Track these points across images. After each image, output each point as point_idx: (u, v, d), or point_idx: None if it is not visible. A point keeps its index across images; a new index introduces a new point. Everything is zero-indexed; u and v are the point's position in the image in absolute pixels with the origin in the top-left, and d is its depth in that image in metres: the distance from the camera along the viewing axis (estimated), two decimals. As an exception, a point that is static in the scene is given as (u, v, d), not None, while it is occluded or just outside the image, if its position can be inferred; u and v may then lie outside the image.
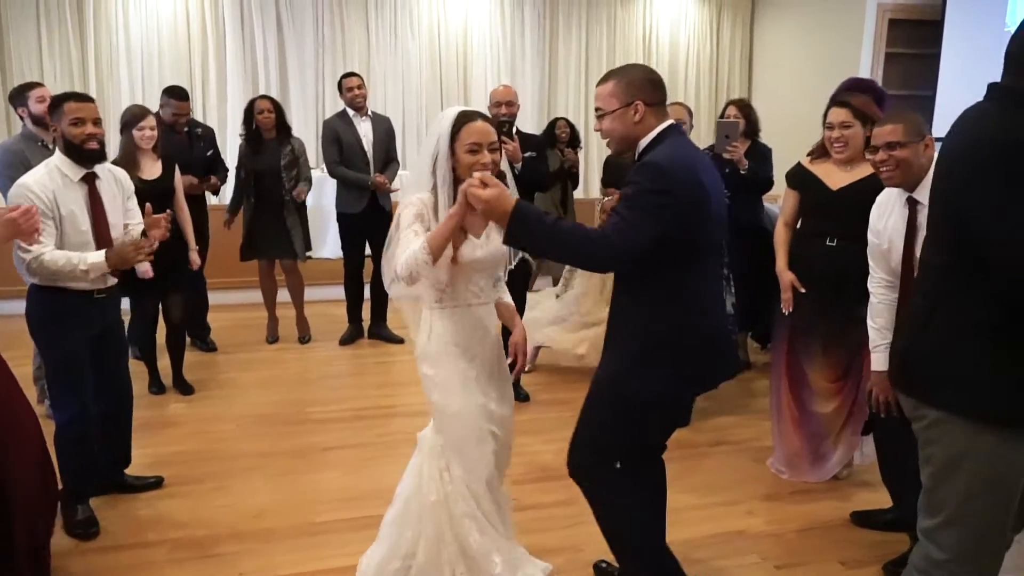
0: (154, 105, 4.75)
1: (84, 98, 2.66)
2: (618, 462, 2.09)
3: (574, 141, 5.86)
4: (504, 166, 2.20)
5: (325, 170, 5.06)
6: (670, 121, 2.02)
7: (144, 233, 2.72)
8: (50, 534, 2.47)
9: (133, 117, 3.70)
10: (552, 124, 5.91)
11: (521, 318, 2.45)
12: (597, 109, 2.04)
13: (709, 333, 2.03)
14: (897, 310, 2.43)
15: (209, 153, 4.71)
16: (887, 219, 2.46)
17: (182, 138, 4.52)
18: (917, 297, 1.73)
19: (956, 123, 1.67)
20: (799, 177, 3.07)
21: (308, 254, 4.98)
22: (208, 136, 4.78)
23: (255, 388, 4.28)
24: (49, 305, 2.60)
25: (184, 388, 4.14)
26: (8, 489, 2.22)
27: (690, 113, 3.59)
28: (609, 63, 8.04)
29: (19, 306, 2.74)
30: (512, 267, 2.40)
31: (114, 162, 3.14)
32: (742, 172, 3.80)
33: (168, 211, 2.82)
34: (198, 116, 6.56)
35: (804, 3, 7.40)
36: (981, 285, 1.55)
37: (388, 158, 4.98)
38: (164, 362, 4.28)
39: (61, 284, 2.58)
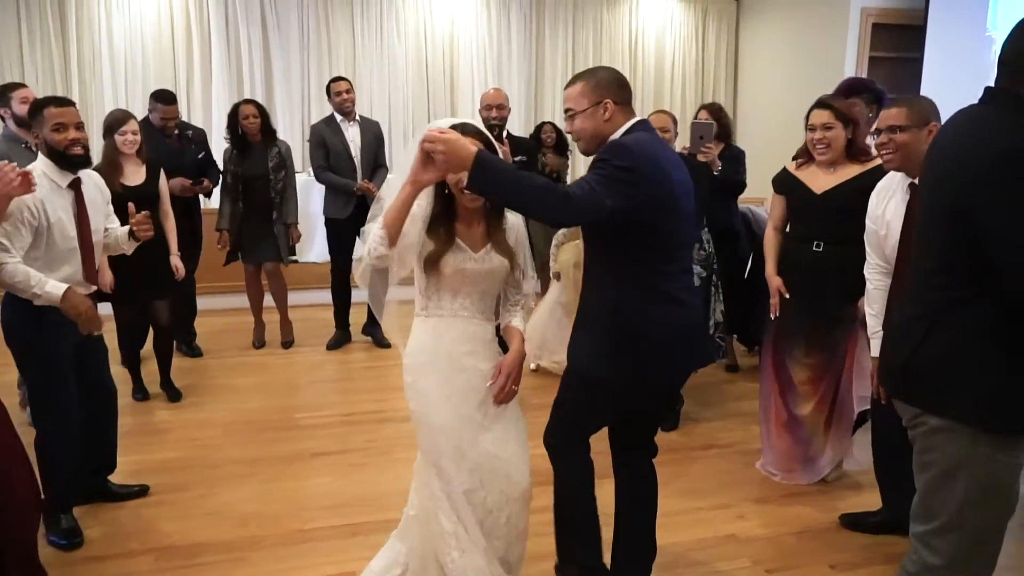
0: (138, 108, 4.71)
1: (64, 102, 2.61)
2: (582, 445, 2.21)
3: (561, 145, 5.84)
4: None
5: (310, 174, 5.03)
6: (638, 118, 2.09)
7: (132, 233, 2.71)
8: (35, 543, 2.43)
9: (115, 122, 3.65)
10: (538, 128, 5.90)
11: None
12: (568, 110, 2.10)
13: (679, 324, 2.06)
14: (889, 295, 2.46)
15: (201, 155, 4.67)
16: (886, 204, 2.47)
17: (173, 141, 4.48)
18: (912, 305, 1.71)
19: (950, 126, 1.67)
20: (784, 182, 3.08)
21: (293, 258, 4.97)
22: (200, 139, 4.74)
23: (242, 393, 4.24)
24: (26, 311, 2.53)
25: (172, 394, 4.09)
26: None
27: (675, 121, 3.60)
28: (611, 66, 8.04)
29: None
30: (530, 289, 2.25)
31: (96, 168, 3.10)
32: (715, 173, 3.82)
33: (146, 211, 2.79)
34: (183, 119, 6.50)
35: (788, 7, 7.45)
36: (986, 290, 1.54)
37: (377, 163, 4.95)
38: (149, 368, 4.24)
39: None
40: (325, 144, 4.81)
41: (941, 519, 1.66)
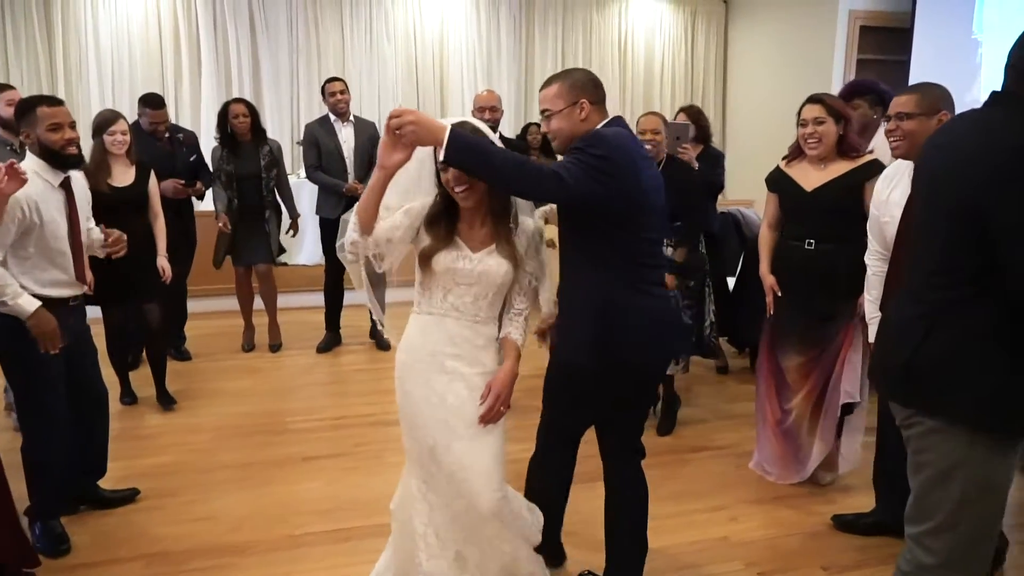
0: (126, 109, 4.67)
1: (56, 101, 2.58)
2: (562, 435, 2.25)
3: (548, 146, 5.84)
4: None
5: (300, 176, 5.00)
6: (612, 116, 2.14)
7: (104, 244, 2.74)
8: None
9: (104, 122, 3.62)
10: (525, 130, 5.90)
11: None
12: (544, 111, 2.13)
13: (656, 313, 2.11)
14: (885, 284, 2.47)
15: (192, 158, 4.64)
16: (891, 191, 2.47)
17: (164, 145, 4.45)
18: (911, 305, 1.70)
19: (953, 127, 1.67)
20: (776, 180, 3.10)
21: (282, 260, 4.94)
22: (191, 141, 4.71)
23: (232, 397, 4.20)
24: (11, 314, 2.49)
25: (166, 402, 4.02)
26: None
27: (666, 123, 3.60)
28: (585, 68, 8.05)
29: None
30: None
31: (84, 168, 3.07)
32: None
33: (118, 232, 2.80)
34: (172, 122, 6.45)
35: (777, 10, 7.49)
36: (987, 290, 1.54)
37: (371, 164, 4.92)
38: (137, 372, 4.20)
39: (40, 291, 2.51)
40: (317, 144, 4.81)
41: (936, 519, 1.66)
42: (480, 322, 2.06)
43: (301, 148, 6.61)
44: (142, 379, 4.13)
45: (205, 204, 5.17)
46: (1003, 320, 1.54)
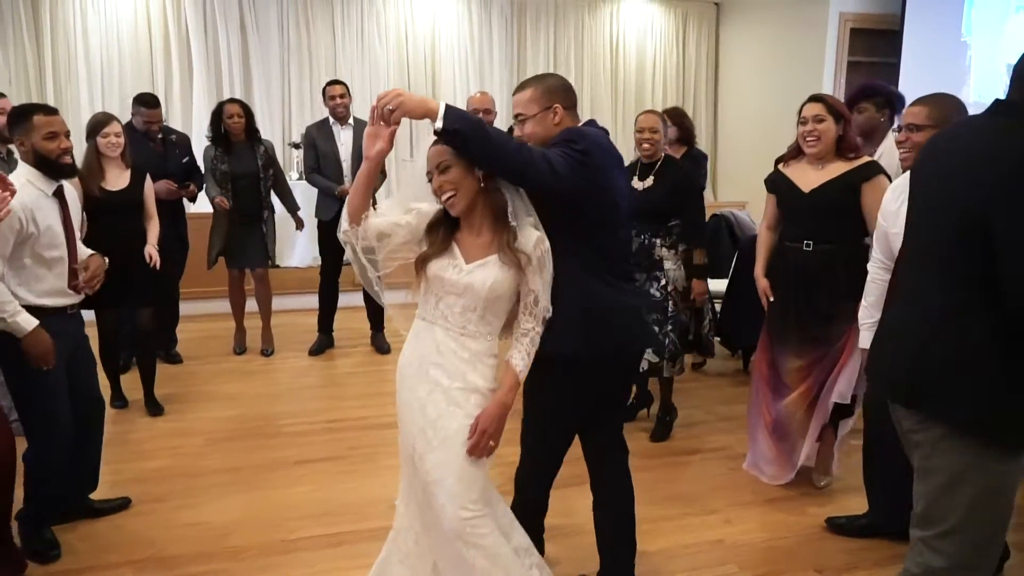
0: (116, 112, 4.62)
1: (52, 111, 2.58)
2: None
3: None
4: None
5: (291, 178, 4.99)
6: (586, 120, 2.19)
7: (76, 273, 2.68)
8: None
9: (97, 124, 3.59)
10: (510, 130, 5.89)
11: None
12: (518, 115, 2.14)
13: (630, 306, 2.19)
14: (890, 286, 2.46)
15: (185, 160, 4.62)
16: (900, 204, 2.47)
17: (157, 146, 4.43)
18: (916, 309, 1.69)
19: (958, 134, 1.67)
20: (774, 181, 3.10)
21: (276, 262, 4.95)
22: (184, 143, 4.70)
23: (223, 400, 4.18)
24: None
25: (154, 408, 3.98)
26: None
27: (664, 121, 3.60)
28: (577, 70, 8.07)
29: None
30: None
31: (79, 172, 3.06)
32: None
33: (105, 259, 2.77)
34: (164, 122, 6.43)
35: (768, 12, 7.51)
36: (996, 296, 1.53)
37: None
38: (128, 376, 4.17)
39: (38, 301, 2.50)
40: (315, 147, 4.83)
41: (946, 524, 1.65)
42: (468, 335, 1.97)
43: (293, 149, 6.65)
44: (132, 383, 4.10)
45: (197, 207, 5.15)
46: (1007, 326, 1.53)
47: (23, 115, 2.53)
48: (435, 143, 1.90)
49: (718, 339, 4.75)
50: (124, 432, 3.73)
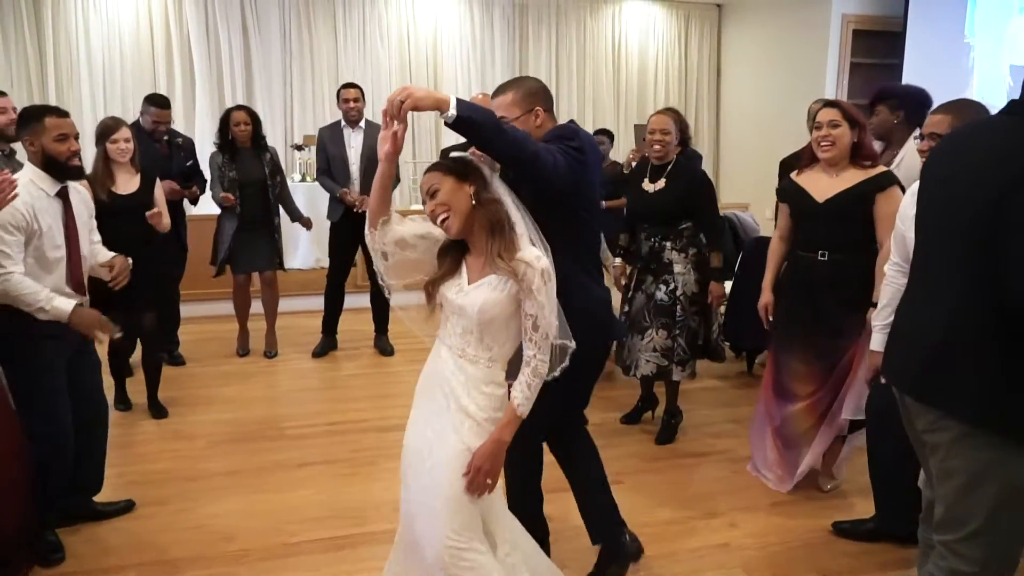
0: (116, 114, 4.64)
1: (62, 113, 2.60)
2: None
3: None
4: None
5: (295, 178, 4.99)
6: (567, 120, 2.29)
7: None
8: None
9: (106, 129, 3.58)
10: None
11: None
12: (501, 118, 2.12)
13: (606, 301, 2.32)
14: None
15: (188, 164, 4.63)
16: None
17: (161, 148, 4.44)
18: (933, 306, 1.67)
19: (974, 134, 1.66)
20: (787, 190, 3.06)
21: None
22: (188, 147, 4.71)
23: (226, 403, 4.17)
24: (18, 322, 2.47)
25: (158, 411, 3.97)
26: None
27: (676, 122, 3.56)
28: (579, 71, 8.08)
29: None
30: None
31: (87, 176, 3.07)
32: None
33: (129, 260, 2.84)
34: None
35: (770, 14, 7.51)
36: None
37: (374, 169, 4.90)
38: (132, 379, 4.16)
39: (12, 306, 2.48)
40: (326, 149, 4.86)
41: (971, 526, 1.63)
42: (466, 359, 1.88)
43: (295, 151, 6.66)
44: (135, 384, 4.09)
45: (198, 209, 5.14)
46: (1008, 325, 1.51)
47: (34, 116, 2.55)
48: (428, 170, 1.90)
49: (727, 343, 4.74)
50: (127, 435, 3.72)
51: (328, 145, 4.84)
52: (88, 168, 3.31)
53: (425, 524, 1.87)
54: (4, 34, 6.40)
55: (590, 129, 6.99)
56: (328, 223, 4.97)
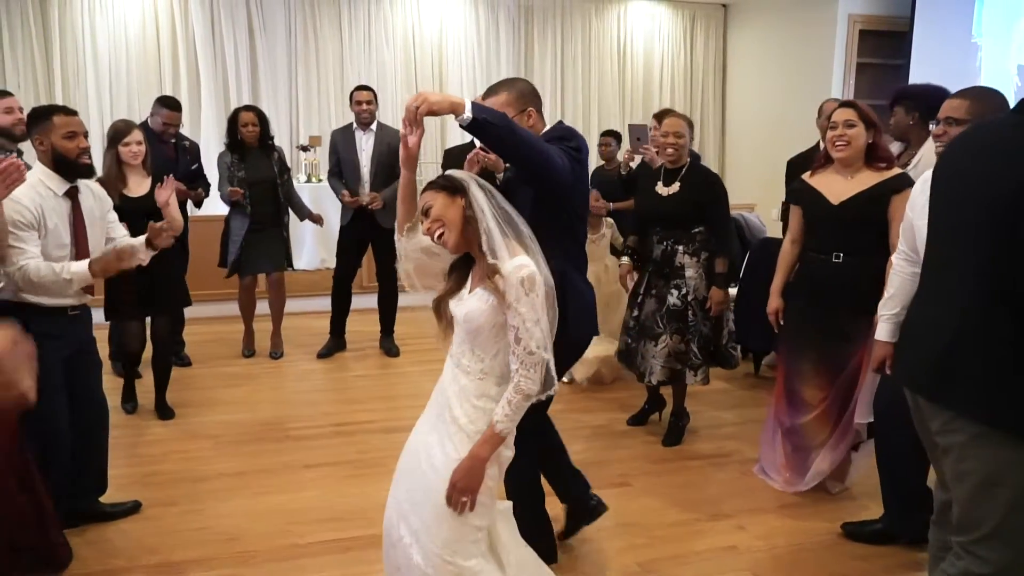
0: (122, 115, 4.65)
1: (71, 111, 2.63)
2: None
3: None
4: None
5: (301, 179, 5.00)
6: (557, 121, 2.36)
7: (150, 242, 2.76)
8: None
9: (118, 133, 3.58)
10: None
11: None
12: None
13: (588, 297, 2.38)
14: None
15: (194, 167, 4.64)
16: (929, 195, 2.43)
17: (168, 150, 4.45)
18: (945, 305, 1.66)
19: (977, 133, 1.65)
20: (800, 192, 3.03)
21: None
22: (194, 150, 4.73)
23: (232, 404, 4.16)
24: (16, 321, 2.47)
25: (165, 413, 3.96)
26: None
27: (690, 126, 3.55)
28: (584, 72, 8.07)
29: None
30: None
31: (99, 179, 3.07)
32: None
33: (158, 225, 2.84)
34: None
35: (775, 14, 7.49)
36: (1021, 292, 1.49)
37: (394, 173, 4.90)
38: (140, 380, 4.16)
39: (34, 299, 2.50)
40: (337, 151, 4.88)
41: (986, 528, 1.62)
42: (461, 369, 1.86)
43: (301, 152, 6.67)
44: (140, 386, 4.10)
45: (201, 211, 5.14)
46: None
47: (43, 115, 2.58)
48: (423, 190, 1.89)
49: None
50: (132, 435, 3.72)
51: (340, 147, 4.85)
52: (99, 171, 3.33)
53: (416, 527, 1.85)
54: (11, 35, 6.41)
55: (596, 130, 7.02)
56: (336, 224, 4.98)
